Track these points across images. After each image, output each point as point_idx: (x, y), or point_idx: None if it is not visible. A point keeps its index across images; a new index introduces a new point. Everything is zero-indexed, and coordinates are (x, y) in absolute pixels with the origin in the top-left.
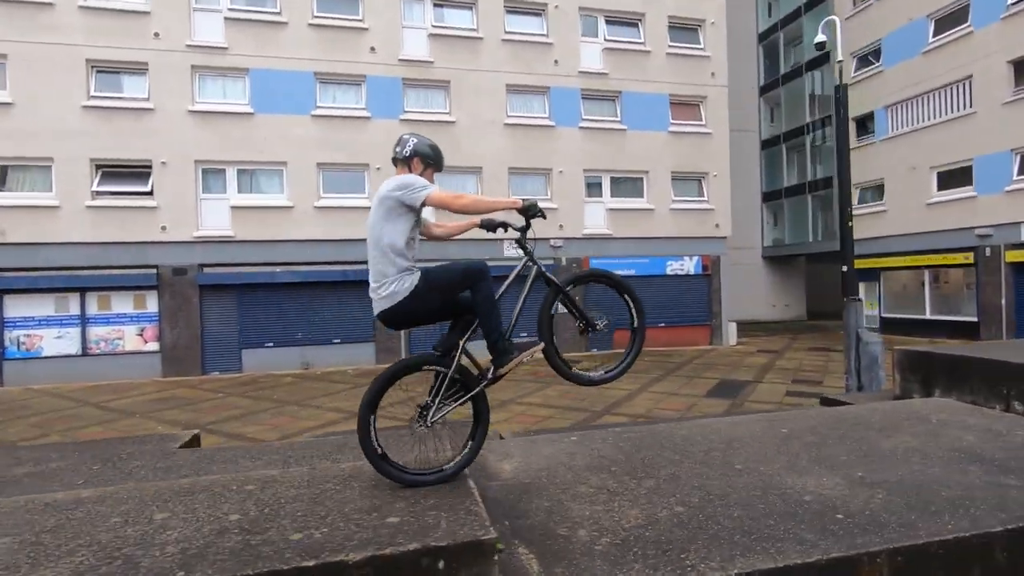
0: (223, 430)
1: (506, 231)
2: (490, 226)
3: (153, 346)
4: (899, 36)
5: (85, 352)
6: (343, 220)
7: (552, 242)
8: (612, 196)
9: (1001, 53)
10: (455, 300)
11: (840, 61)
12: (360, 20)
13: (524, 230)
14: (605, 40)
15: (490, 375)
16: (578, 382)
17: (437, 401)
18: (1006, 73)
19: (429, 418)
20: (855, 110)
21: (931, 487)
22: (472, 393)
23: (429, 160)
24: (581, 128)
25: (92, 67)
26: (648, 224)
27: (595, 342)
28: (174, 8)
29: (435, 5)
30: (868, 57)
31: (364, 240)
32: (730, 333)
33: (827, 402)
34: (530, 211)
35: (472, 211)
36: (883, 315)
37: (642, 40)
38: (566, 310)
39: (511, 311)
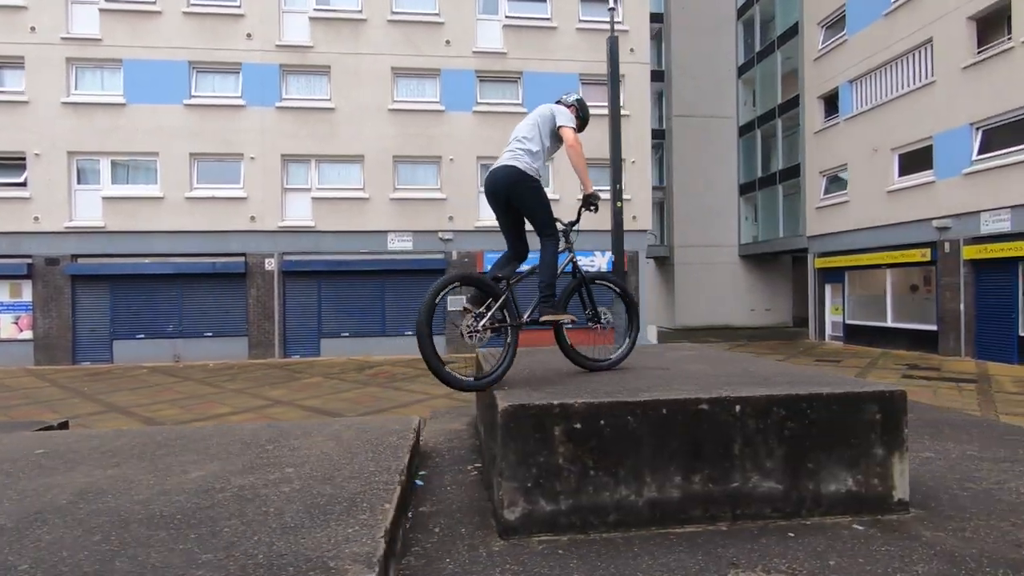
0: None
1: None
2: (587, 202)
3: (27, 335)
4: None
5: None
6: (216, 211)
7: (441, 235)
8: None
9: (961, 8)
10: (522, 224)
11: (611, 8)
12: (237, 6)
13: (572, 224)
14: (506, 17)
15: (528, 317)
16: (578, 364)
17: (488, 314)
18: (966, 32)
19: (478, 325)
20: (822, 87)
21: None
22: (510, 325)
23: (580, 113)
24: (475, 112)
25: None
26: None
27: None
28: (50, 1)
29: None
30: (839, 25)
31: (237, 231)
32: (647, 336)
33: None
34: (592, 198)
35: (574, 162)
36: (847, 322)
37: (548, 15)
38: (579, 299)
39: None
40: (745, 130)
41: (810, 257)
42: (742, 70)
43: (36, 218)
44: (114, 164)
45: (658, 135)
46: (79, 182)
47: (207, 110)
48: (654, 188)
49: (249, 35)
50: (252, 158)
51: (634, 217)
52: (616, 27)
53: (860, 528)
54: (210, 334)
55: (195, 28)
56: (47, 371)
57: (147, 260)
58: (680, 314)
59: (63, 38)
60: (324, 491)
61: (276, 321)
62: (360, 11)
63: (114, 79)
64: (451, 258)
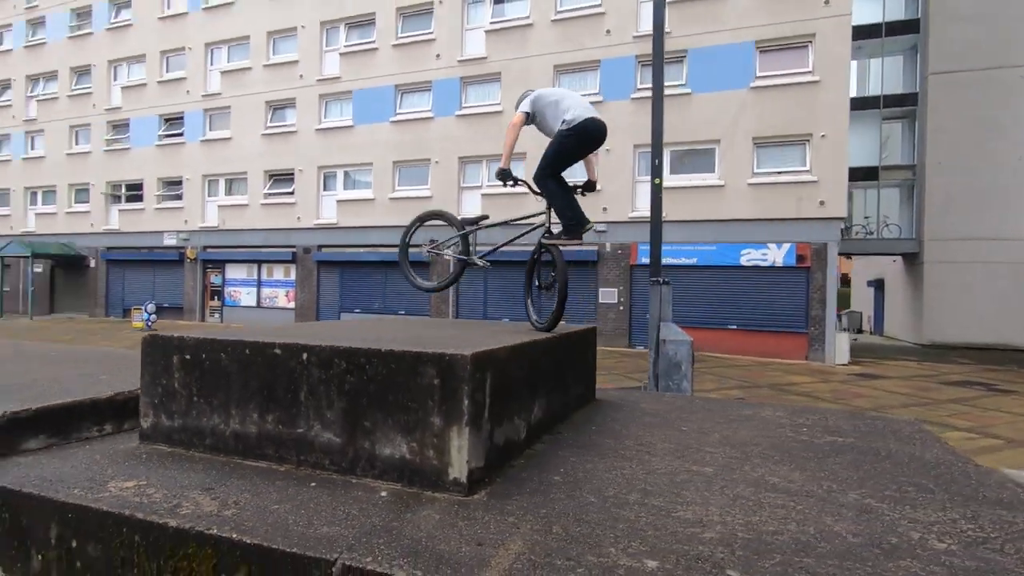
0: None
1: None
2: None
3: (291, 305)
4: None
5: (259, 305)
6: (410, 209)
7: (596, 227)
8: (672, 172)
9: None
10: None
11: None
12: (430, 32)
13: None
14: None
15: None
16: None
17: (444, 244)
18: None
19: (433, 249)
20: None
21: None
22: (463, 259)
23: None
24: (634, 100)
25: (270, 106)
26: (716, 204)
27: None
28: (311, 52)
29: (495, 2)
30: None
31: (426, 225)
32: (839, 348)
33: None
34: (500, 174)
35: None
36: None
37: None
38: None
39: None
40: None
41: None
42: None
43: (298, 218)
44: (345, 174)
45: (907, 100)
46: (324, 189)
47: (406, 124)
48: (902, 167)
49: (438, 56)
50: (436, 162)
51: (822, 202)
52: None
53: (383, 495)
54: (403, 312)
55: (400, 56)
56: None
57: (363, 250)
58: (930, 327)
59: (318, 80)
60: None
61: (451, 304)
62: (528, 16)
63: (347, 108)
64: (604, 249)
